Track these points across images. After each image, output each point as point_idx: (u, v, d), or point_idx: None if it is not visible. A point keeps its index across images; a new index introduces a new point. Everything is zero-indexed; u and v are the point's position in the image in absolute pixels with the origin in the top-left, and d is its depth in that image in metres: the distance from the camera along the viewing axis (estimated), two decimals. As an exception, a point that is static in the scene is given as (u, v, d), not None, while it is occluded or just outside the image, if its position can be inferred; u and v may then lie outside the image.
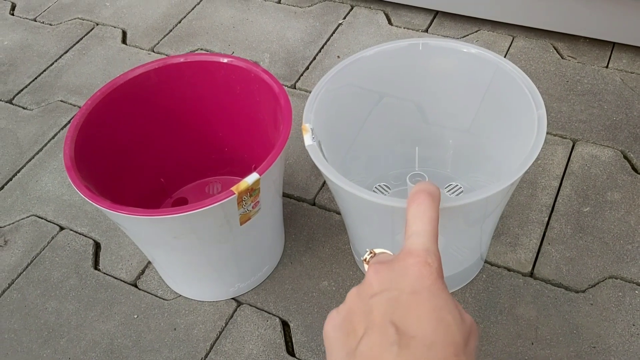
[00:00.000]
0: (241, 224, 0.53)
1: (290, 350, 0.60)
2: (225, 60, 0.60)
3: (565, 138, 0.75)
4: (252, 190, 0.49)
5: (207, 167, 0.71)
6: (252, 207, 0.52)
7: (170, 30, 0.96)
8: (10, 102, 0.88)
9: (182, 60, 0.60)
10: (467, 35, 0.89)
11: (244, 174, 0.50)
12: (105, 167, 0.58)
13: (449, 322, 0.35)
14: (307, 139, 0.52)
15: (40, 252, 0.70)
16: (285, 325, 0.62)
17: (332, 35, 0.92)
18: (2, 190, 0.77)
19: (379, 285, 0.38)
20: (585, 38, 0.86)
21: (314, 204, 0.72)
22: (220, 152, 0.68)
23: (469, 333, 0.37)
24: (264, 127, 0.61)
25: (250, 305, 0.63)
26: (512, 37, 0.88)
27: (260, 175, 0.49)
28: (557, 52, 0.86)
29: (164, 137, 0.65)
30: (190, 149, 0.67)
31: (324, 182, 0.73)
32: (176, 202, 0.70)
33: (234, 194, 0.48)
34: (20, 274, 0.68)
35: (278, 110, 0.56)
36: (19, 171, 0.79)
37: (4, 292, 0.67)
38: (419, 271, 0.37)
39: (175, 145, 0.66)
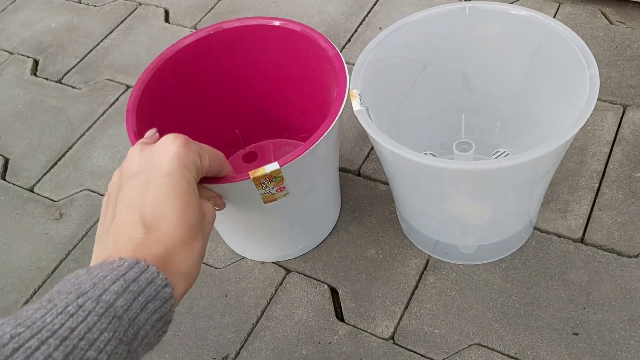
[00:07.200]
0: (265, 203, 0.53)
1: (340, 316, 0.60)
2: (276, 23, 0.59)
3: (616, 104, 0.73)
4: (272, 177, 0.50)
5: (281, 129, 0.71)
6: (277, 192, 0.52)
7: (212, 8, 0.97)
8: (59, 81, 0.91)
9: (238, 24, 0.60)
10: (511, 3, 0.87)
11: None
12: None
13: (193, 204, 0.39)
14: (356, 104, 0.52)
15: (94, 225, 0.72)
16: (333, 292, 0.62)
17: (373, 6, 0.91)
18: (56, 166, 0.79)
19: (137, 166, 0.40)
20: (635, 2, 0.84)
21: (359, 175, 0.72)
22: (288, 116, 0.69)
23: (205, 215, 0.41)
24: (322, 91, 0.61)
25: (299, 273, 0.64)
26: (558, 4, 0.86)
27: (280, 166, 0.49)
28: (605, 17, 0.83)
29: (228, 105, 0.66)
30: (258, 111, 0.68)
31: (369, 153, 0.74)
32: (246, 156, 0.72)
33: (249, 177, 0.48)
34: (75, 245, 0.70)
35: (332, 74, 0.56)
36: (70, 147, 0.81)
37: (61, 262, 0.69)
38: (177, 152, 0.40)
39: (240, 109, 0.67)
